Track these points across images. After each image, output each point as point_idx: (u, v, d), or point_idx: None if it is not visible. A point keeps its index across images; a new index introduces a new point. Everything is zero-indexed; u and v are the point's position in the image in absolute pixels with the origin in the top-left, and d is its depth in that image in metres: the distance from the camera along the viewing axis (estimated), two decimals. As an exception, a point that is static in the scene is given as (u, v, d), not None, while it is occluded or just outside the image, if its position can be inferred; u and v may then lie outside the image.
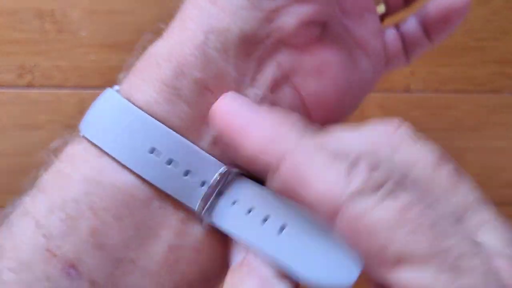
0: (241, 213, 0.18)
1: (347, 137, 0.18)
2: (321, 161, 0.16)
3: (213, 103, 0.18)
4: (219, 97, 0.18)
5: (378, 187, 0.16)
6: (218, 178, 0.18)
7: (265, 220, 0.18)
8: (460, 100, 0.39)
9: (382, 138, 0.18)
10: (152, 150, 0.18)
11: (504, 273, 0.16)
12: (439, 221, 0.16)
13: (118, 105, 0.18)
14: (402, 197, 0.16)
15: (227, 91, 0.18)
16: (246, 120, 0.18)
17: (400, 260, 0.15)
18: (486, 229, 0.17)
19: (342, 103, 0.21)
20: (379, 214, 0.15)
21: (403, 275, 0.15)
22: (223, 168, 0.18)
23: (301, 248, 0.17)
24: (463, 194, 0.17)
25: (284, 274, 0.17)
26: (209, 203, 0.18)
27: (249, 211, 0.18)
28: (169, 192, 0.18)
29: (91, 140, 0.18)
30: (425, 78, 0.38)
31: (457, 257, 0.15)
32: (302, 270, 0.17)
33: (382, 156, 0.18)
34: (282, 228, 0.17)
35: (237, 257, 0.18)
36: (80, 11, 0.37)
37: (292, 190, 0.16)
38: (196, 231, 0.18)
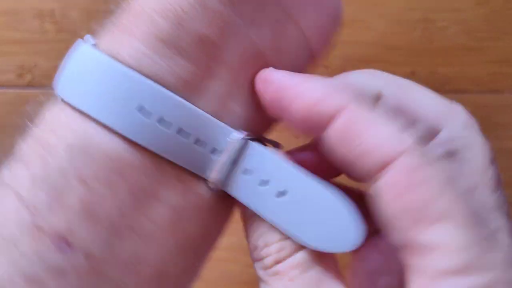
0: (241, 175, 0.18)
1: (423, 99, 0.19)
2: (377, 117, 0.17)
3: (218, 55, 0.17)
4: (225, 48, 0.17)
5: (437, 148, 0.17)
6: (232, 145, 0.17)
7: (265, 184, 0.17)
8: (460, 100, 0.39)
9: (460, 111, 0.19)
10: (142, 110, 0.16)
11: None
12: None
13: (101, 63, 0.17)
14: (456, 165, 0.17)
15: (233, 41, 0.17)
16: (300, 80, 0.17)
17: (442, 217, 0.15)
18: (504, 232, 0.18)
19: (334, 31, 0.21)
20: (434, 170, 0.16)
21: (441, 232, 0.15)
22: (235, 134, 0.17)
23: (303, 213, 0.17)
24: (498, 196, 0.18)
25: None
26: (223, 171, 0.17)
27: (246, 173, 0.18)
28: (163, 154, 0.17)
29: (72, 103, 0.17)
30: (425, 78, 0.38)
31: (495, 230, 0.16)
32: (304, 235, 0.17)
33: (456, 123, 0.19)
34: (282, 194, 0.17)
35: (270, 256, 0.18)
36: (80, 11, 0.37)
37: (344, 143, 0.17)
38: (197, 189, 0.18)
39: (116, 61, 0.17)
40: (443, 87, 0.39)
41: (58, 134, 0.17)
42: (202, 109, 0.17)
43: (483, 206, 0.17)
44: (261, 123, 0.19)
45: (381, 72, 0.20)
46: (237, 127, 0.18)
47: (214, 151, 0.18)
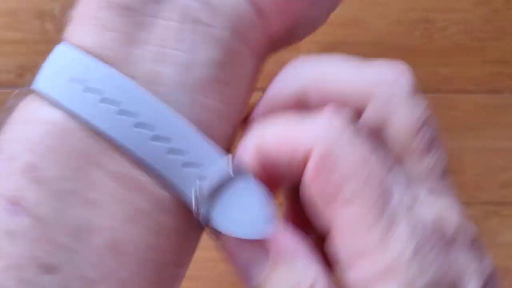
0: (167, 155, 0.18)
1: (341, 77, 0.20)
2: (287, 120, 0.18)
3: (140, 21, 0.18)
4: (149, 13, 0.18)
5: (361, 127, 0.18)
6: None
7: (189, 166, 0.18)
8: (460, 100, 0.39)
9: (388, 76, 0.19)
10: (80, 84, 0.18)
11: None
12: (392, 180, 0.18)
13: (55, 49, 0.19)
14: (379, 141, 0.18)
15: (165, 6, 0.18)
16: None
17: (350, 201, 0.17)
18: (439, 201, 0.18)
19: (301, 7, 0.20)
20: (343, 155, 0.17)
21: (347, 215, 0.17)
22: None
23: (223, 203, 0.18)
24: (428, 163, 0.19)
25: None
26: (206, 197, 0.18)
27: (170, 152, 0.18)
28: (104, 129, 0.17)
29: (31, 87, 0.19)
30: (425, 78, 0.38)
31: (399, 204, 0.17)
32: (220, 222, 0.18)
33: (382, 94, 0.19)
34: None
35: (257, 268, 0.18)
36: (80, 11, 0.37)
37: (270, 153, 0.18)
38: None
39: (69, 44, 0.18)
40: (443, 87, 0.39)
41: (16, 112, 0.19)
42: (131, 76, 0.18)
43: (406, 176, 0.18)
44: (196, 84, 0.19)
45: (306, 60, 0.20)
46: (172, 91, 0.18)
47: (156, 138, 0.18)
